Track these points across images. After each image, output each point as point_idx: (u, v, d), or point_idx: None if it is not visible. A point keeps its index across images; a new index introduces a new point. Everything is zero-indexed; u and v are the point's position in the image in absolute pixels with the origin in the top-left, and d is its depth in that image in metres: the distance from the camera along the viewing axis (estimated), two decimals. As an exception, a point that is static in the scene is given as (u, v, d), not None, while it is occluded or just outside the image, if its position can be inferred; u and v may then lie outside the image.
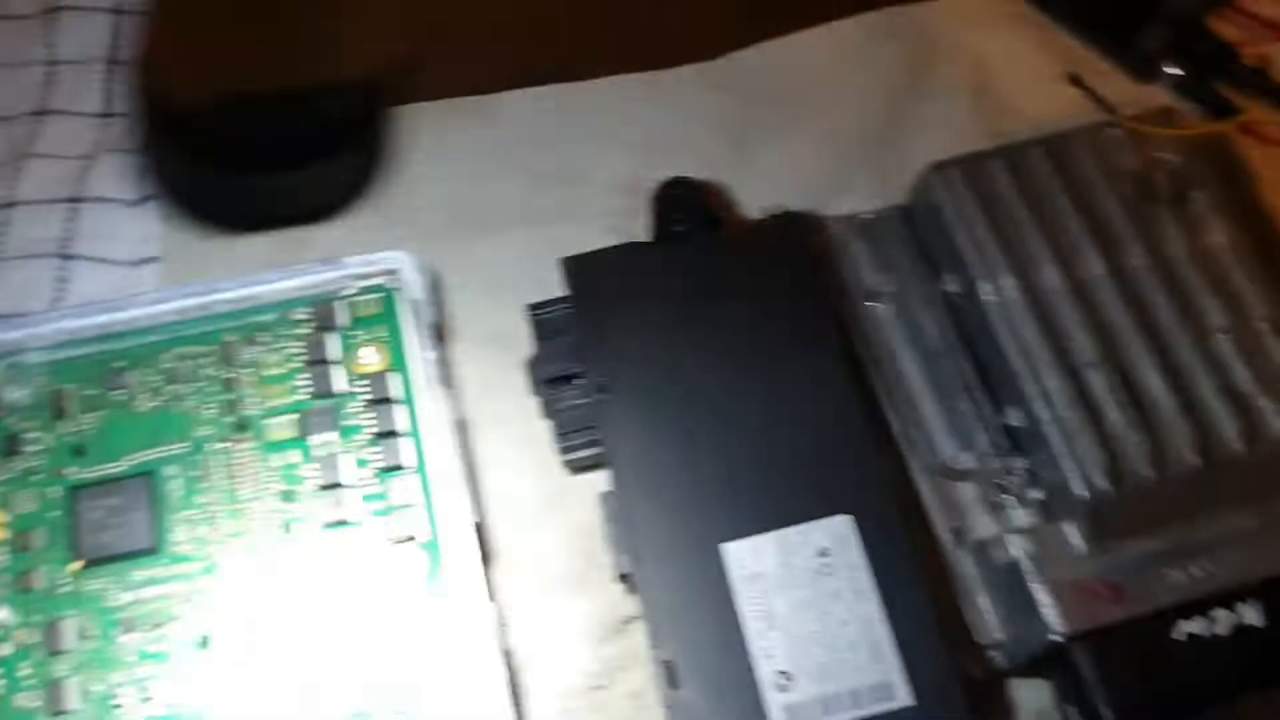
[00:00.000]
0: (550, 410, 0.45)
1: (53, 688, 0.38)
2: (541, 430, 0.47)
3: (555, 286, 0.50)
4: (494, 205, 0.52)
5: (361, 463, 0.41)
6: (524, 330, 0.49)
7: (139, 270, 0.50)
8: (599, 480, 0.46)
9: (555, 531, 0.45)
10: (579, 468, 0.46)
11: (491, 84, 0.54)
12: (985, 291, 0.44)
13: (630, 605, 0.44)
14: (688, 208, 0.47)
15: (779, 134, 0.53)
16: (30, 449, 0.41)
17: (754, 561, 0.41)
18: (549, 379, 0.45)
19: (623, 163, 0.53)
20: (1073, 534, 0.41)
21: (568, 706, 0.43)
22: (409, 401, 0.42)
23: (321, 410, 0.42)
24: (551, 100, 0.54)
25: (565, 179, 0.52)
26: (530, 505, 0.46)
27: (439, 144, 0.53)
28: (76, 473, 0.41)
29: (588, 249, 0.50)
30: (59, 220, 0.51)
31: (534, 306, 0.47)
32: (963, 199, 0.46)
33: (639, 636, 0.43)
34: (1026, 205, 0.45)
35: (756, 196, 0.52)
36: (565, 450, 0.45)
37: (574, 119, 0.54)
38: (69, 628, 0.39)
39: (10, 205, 0.51)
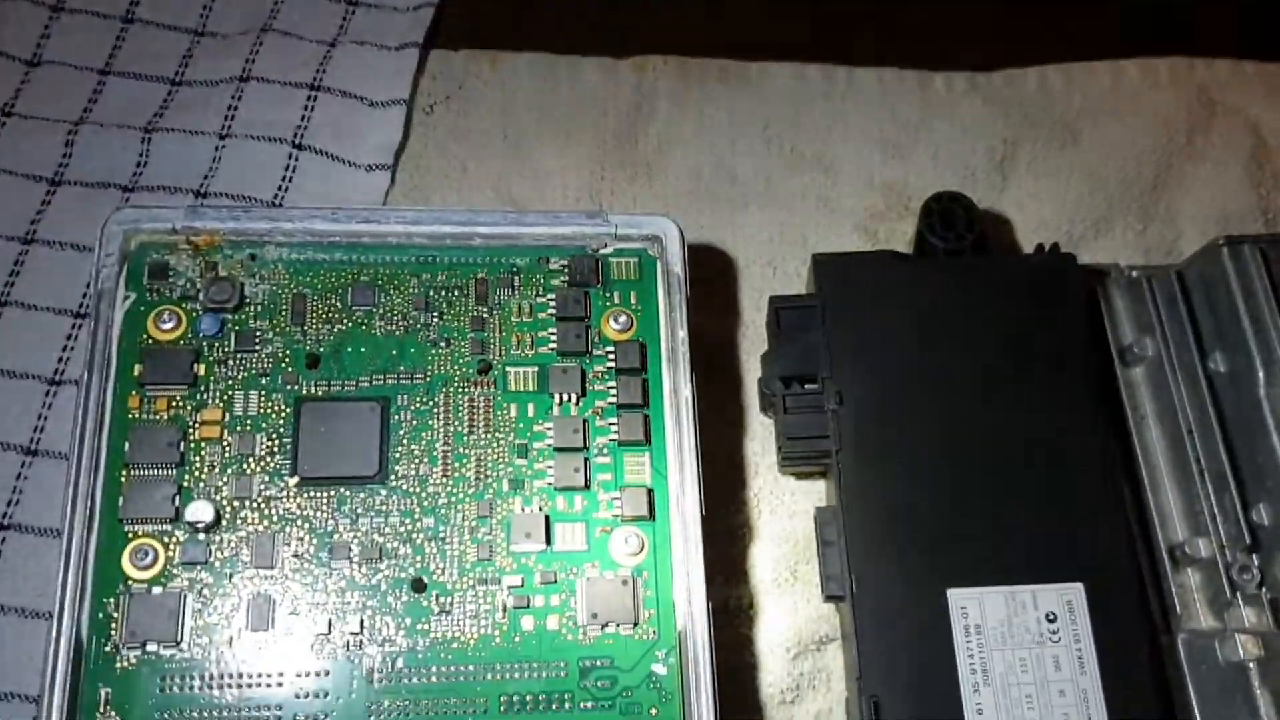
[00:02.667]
0: (778, 409, 0.43)
1: (253, 602, 0.37)
2: (760, 424, 0.45)
3: (793, 275, 0.48)
4: (740, 179, 0.50)
5: (599, 431, 0.40)
6: (753, 317, 0.47)
7: (370, 177, 0.48)
8: (814, 490, 0.45)
9: (762, 534, 0.44)
10: (796, 473, 0.45)
11: (749, 48, 0.52)
12: (1260, 379, 0.42)
13: (830, 625, 0.42)
14: (957, 225, 0.45)
15: (1044, 162, 0.51)
16: (263, 350, 0.40)
17: (977, 613, 0.39)
18: (783, 376, 0.44)
19: (880, 160, 0.50)
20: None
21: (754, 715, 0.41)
22: (654, 376, 0.40)
23: (566, 368, 0.40)
24: (816, 79, 0.52)
25: (818, 166, 0.50)
26: (733, 502, 0.44)
27: (692, 103, 0.51)
28: (308, 384, 0.40)
29: (834, 246, 0.48)
30: (296, 105, 0.49)
31: (776, 300, 0.45)
32: (1252, 278, 0.43)
33: (834, 657, 0.42)
34: (1320, 298, 0.43)
35: (1013, 223, 0.50)
36: (787, 454, 0.43)
37: (836, 104, 0.51)
38: (278, 543, 0.37)
39: (245, 79, 0.49)
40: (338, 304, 0.41)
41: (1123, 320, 0.46)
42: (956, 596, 0.40)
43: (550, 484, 0.39)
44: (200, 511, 0.37)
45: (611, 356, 0.41)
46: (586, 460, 0.39)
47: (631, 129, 0.50)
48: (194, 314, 0.40)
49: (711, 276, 0.47)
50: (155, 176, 0.47)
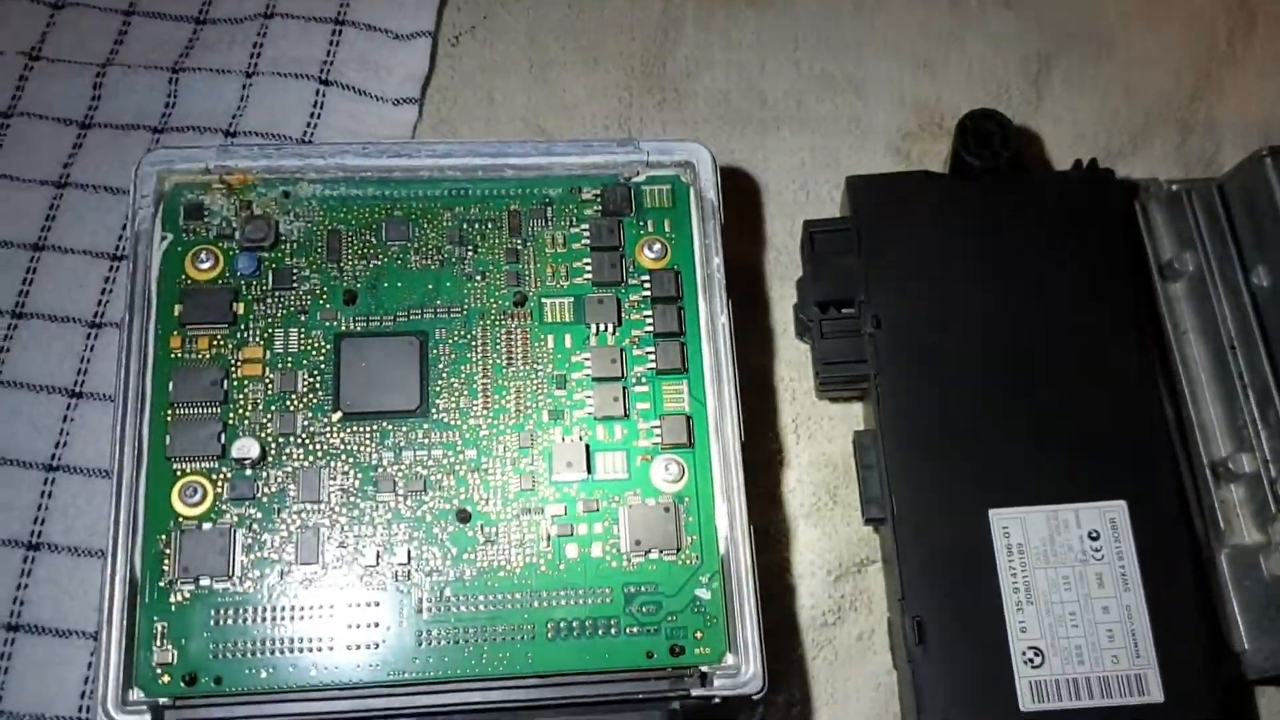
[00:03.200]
0: (814, 334, 0.43)
1: (301, 535, 0.37)
2: (794, 350, 0.45)
3: (825, 199, 0.48)
4: (770, 102, 0.49)
5: (636, 360, 0.40)
6: (785, 242, 0.47)
7: (397, 111, 0.48)
8: (850, 414, 0.45)
9: (799, 459, 0.44)
10: (833, 398, 0.45)
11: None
12: (1306, 292, 0.41)
13: (871, 548, 0.43)
14: (993, 144, 0.44)
15: (1081, 76, 0.50)
16: (300, 288, 0.40)
17: (1019, 533, 0.40)
18: (819, 301, 0.43)
19: (912, 78, 0.50)
20: (1353, 561, 0.39)
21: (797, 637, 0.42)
22: (690, 304, 0.40)
23: (601, 299, 0.40)
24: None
25: (849, 86, 0.49)
26: (771, 428, 0.44)
27: (719, 26, 0.50)
28: (346, 320, 0.40)
29: (867, 167, 0.48)
30: (321, 40, 0.49)
31: (811, 224, 0.44)
32: (1297, 189, 0.42)
33: (874, 579, 0.42)
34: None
35: (1048, 139, 0.49)
36: (825, 378, 0.43)
37: (866, 22, 0.50)
38: (323, 478, 0.38)
39: (269, 15, 0.49)
40: (372, 239, 0.41)
41: (1162, 235, 0.45)
42: (998, 517, 0.40)
43: (590, 414, 0.39)
44: (246, 448, 0.37)
45: (647, 285, 0.41)
46: (625, 389, 0.39)
47: (659, 54, 0.50)
48: (230, 253, 0.40)
49: (741, 201, 0.47)
50: (184, 117, 0.47)
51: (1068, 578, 0.39)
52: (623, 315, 0.40)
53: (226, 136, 0.46)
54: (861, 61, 0.50)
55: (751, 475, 0.38)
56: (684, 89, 0.49)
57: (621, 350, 0.40)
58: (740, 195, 0.47)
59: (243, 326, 0.39)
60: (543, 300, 0.40)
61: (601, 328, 0.40)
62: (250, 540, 0.37)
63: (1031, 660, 0.38)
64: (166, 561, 0.36)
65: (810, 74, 0.50)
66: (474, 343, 0.40)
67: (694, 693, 0.36)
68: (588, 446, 0.38)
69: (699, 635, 0.37)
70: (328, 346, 0.39)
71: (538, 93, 0.49)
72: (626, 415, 0.39)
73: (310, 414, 0.38)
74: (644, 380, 0.40)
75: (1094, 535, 0.39)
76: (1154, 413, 0.41)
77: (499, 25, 0.50)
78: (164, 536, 0.37)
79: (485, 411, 0.39)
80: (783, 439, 0.44)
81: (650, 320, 0.40)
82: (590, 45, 0.50)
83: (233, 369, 0.38)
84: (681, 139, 0.42)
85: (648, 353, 0.40)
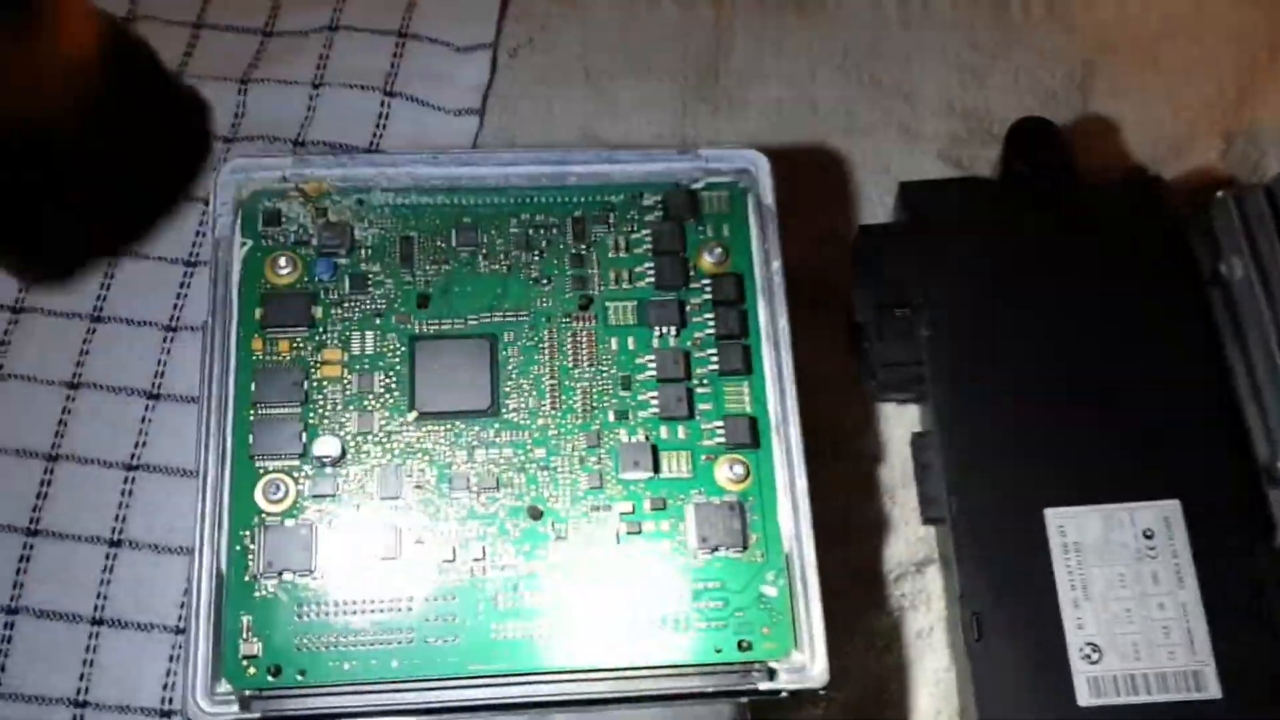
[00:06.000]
0: (871, 336, 0.44)
1: (382, 532, 0.38)
2: (847, 352, 0.46)
3: (877, 204, 0.49)
4: (821, 110, 0.50)
5: (699, 361, 0.41)
6: (838, 246, 0.48)
7: (459, 121, 0.49)
8: (905, 414, 0.46)
9: (856, 459, 0.45)
10: (889, 399, 0.46)
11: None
12: (1361, 296, 0.42)
13: (929, 547, 0.44)
14: (1043, 151, 0.45)
15: (1124, 84, 0.51)
16: (375, 292, 0.41)
17: (1075, 531, 0.40)
18: (876, 304, 0.44)
19: (960, 86, 0.51)
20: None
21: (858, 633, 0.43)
22: (751, 307, 0.41)
23: (664, 302, 0.41)
24: (891, 7, 0.52)
25: (898, 94, 0.51)
26: (830, 429, 0.45)
27: (770, 35, 0.51)
28: (419, 323, 0.41)
29: (917, 174, 0.48)
30: (385, 53, 0.50)
31: (866, 228, 0.46)
32: (1350, 194, 0.43)
33: (933, 578, 0.43)
34: None
35: (1093, 146, 0.50)
36: (882, 381, 0.44)
37: (914, 34, 0.52)
38: (401, 475, 0.39)
39: (334, 28, 0.50)
40: (443, 245, 0.42)
41: (1211, 240, 0.46)
42: (1054, 516, 0.41)
43: (654, 414, 0.40)
44: (327, 446, 0.38)
45: (708, 289, 0.42)
46: (689, 390, 0.40)
47: (712, 63, 0.51)
48: (308, 259, 0.41)
49: (793, 206, 0.48)
50: (253, 126, 0.48)
51: (1123, 575, 0.40)
52: (685, 317, 0.41)
53: (295, 146, 0.48)
54: (909, 70, 0.51)
55: (810, 474, 0.39)
56: (736, 97, 0.50)
57: (685, 352, 0.41)
58: (794, 200, 0.48)
59: (321, 329, 0.40)
60: (606, 304, 0.41)
61: (664, 330, 0.41)
62: (331, 535, 0.38)
63: (1089, 656, 0.39)
64: (251, 556, 0.38)
65: (860, 82, 0.51)
66: (541, 345, 0.41)
67: (761, 687, 0.37)
68: (654, 446, 0.40)
69: (766, 631, 0.38)
70: (402, 348, 0.40)
71: (594, 102, 0.50)
72: (691, 415, 0.40)
73: (387, 414, 0.40)
74: (706, 381, 0.41)
75: (1149, 534, 0.40)
76: (1207, 414, 0.42)
77: (555, 37, 0.51)
78: (248, 532, 0.38)
79: (553, 411, 0.40)
80: (841, 439, 0.45)
81: (712, 323, 0.41)
82: (644, 55, 0.51)
83: (312, 370, 0.40)
84: (740, 146, 0.44)
85: (709, 354, 0.41)
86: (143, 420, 0.44)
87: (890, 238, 0.45)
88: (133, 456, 0.43)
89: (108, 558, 0.42)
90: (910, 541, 0.44)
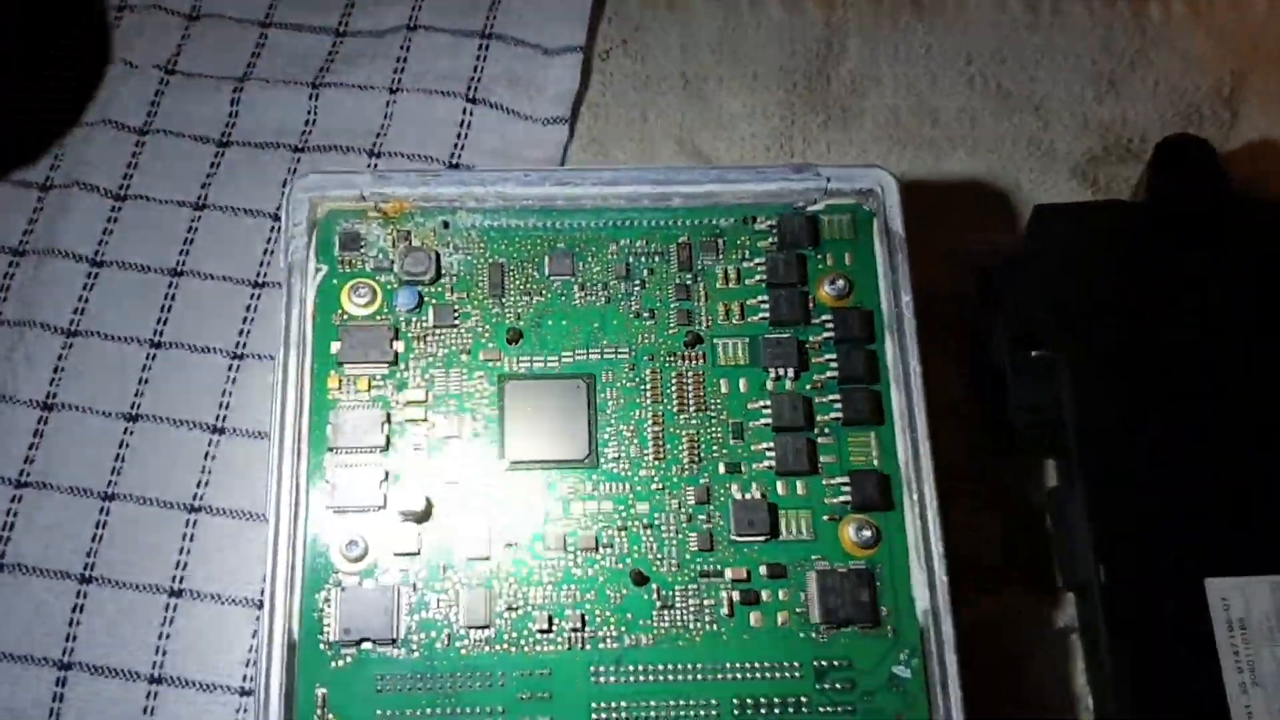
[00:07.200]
0: (994, 379, 0.40)
1: (469, 594, 0.34)
2: (968, 395, 0.42)
3: (1006, 227, 0.44)
4: (942, 121, 0.46)
5: (821, 408, 0.37)
6: (961, 273, 0.44)
7: (547, 130, 0.45)
8: (1036, 466, 0.41)
9: (982, 515, 0.41)
10: (1019, 450, 0.41)
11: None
12: None
13: (1068, 615, 0.39)
14: (1194, 173, 0.41)
15: (1273, 97, 0.46)
16: (462, 325, 0.37)
17: (1241, 605, 0.36)
18: (1012, 338, 0.40)
19: (1095, 98, 0.46)
20: None
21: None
22: (878, 346, 0.37)
23: (780, 340, 0.37)
24: (1018, 9, 0.47)
25: (1027, 104, 0.46)
26: (950, 483, 0.41)
27: (886, 39, 0.47)
28: (509, 360, 0.37)
29: (1050, 193, 0.45)
30: (468, 56, 0.46)
31: (1006, 259, 0.41)
32: None
33: (1075, 648, 0.39)
34: None
35: (1244, 163, 0.45)
36: (1009, 430, 0.40)
37: (1043, 37, 0.47)
38: (491, 533, 0.35)
39: (413, 28, 0.47)
40: (535, 274, 0.38)
41: (1385, 273, 0.41)
42: (1216, 587, 0.36)
43: (770, 467, 0.36)
44: (410, 500, 0.35)
45: (829, 325, 0.38)
46: (809, 441, 0.36)
47: (822, 69, 0.47)
48: (389, 287, 0.37)
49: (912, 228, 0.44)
50: (325, 135, 0.44)
51: (1297, 657, 0.36)
52: (805, 358, 0.37)
53: (370, 156, 0.44)
54: (1039, 78, 0.46)
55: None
56: (850, 106, 0.46)
57: (805, 398, 0.37)
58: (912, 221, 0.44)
59: (403, 366, 0.37)
60: (715, 341, 0.37)
61: (781, 372, 0.37)
62: (414, 599, 0.34)
63: (1257, 749, 0.35)
64: (327, 621, 0.34)
65: (985, 91, 0.46)
66: (643, 386, 0.37)
67: (894, 781, 0.33)
68: (771, 504, 0.36)
69: (899, 716, 0.34)
70: (491, 389, 0.37)
71: (692, 110, 0.46)
72: (812, 470, 0.36)
73: (475, 462, 0.36)
74: (829, 431, 0.37)
75: (1327, 610, 0.36)
76: (1392, 472, 0.37)
77: (651, 38, 0.47)
78: (323, 592, 0.34)
79: (656, 462, 0.36)
80: (964, 493, 0.41)
81: (834, 364, 0.37)
82: (748, 59, 0.47)
83: (393, 411, 0.36)
84: (862, 164, 0.39)
85: (832, 400, 0.37)
86: (205, 457, 0.40)
87: (1027, 268, 0.41)
88: (195, 497, 0.40)
89: (167, 609, 0.38)
90: (1042, 608, 0.39)
